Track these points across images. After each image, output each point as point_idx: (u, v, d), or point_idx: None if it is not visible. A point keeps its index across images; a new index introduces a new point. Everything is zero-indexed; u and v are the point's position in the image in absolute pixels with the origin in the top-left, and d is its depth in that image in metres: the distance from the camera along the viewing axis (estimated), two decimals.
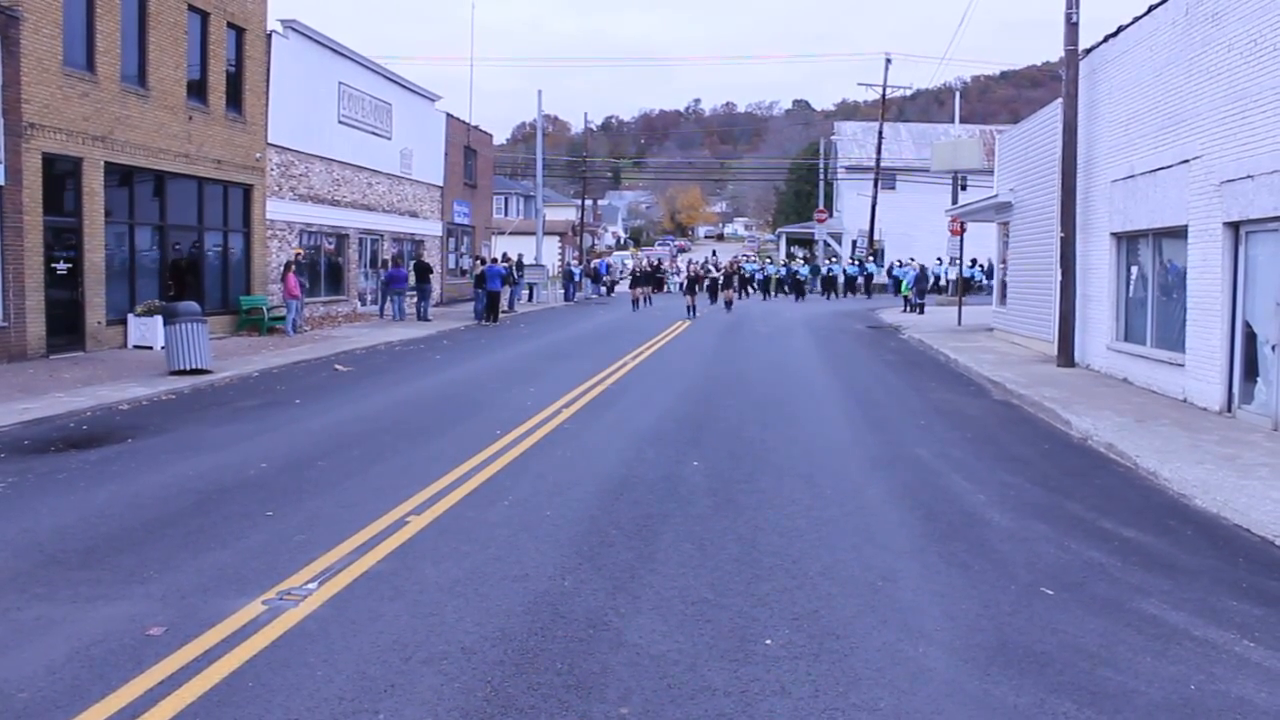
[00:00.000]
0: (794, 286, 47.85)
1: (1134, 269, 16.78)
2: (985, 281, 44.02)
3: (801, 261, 55.18)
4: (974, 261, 45.26)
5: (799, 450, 10.82)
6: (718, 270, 42.91)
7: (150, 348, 19.50)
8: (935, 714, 4.63)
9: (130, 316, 20.05)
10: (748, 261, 55.00)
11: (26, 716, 4.47)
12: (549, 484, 9.00)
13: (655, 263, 54.83)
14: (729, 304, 37.14)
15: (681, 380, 16.68)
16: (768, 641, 5.43)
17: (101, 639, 5.34)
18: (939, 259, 45.63)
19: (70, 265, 18.63)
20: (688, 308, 33.14)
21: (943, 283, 45.22)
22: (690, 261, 51.76)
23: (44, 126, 17.65)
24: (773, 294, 49.87)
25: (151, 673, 4.91)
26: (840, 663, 5.17)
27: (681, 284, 41.19)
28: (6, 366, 16.53)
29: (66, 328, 18.57)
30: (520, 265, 38.35)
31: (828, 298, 47.37)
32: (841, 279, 49.60)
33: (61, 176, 18.45)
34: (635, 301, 37.88)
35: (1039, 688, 4.92)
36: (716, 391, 15.43)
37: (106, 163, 19.29)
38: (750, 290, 50.16)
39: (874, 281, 50.78)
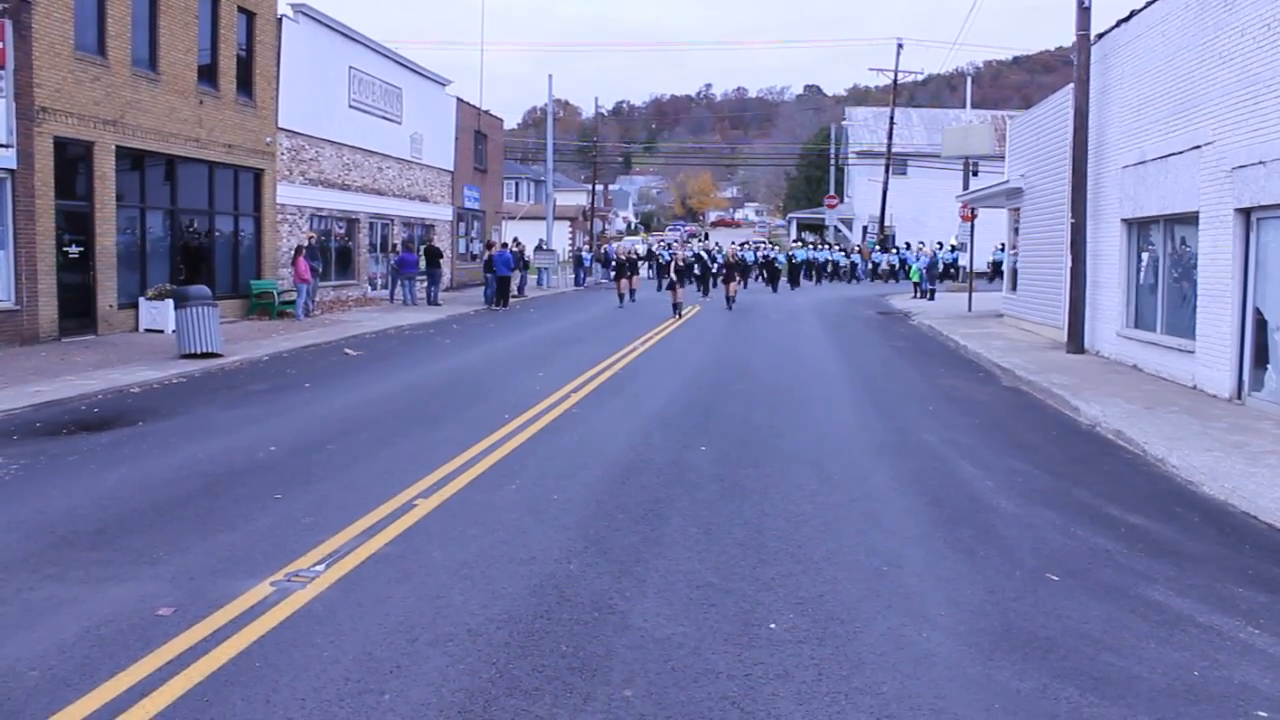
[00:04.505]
0: (769, 276, 42.84)
1: (1144, 255, 16.70)
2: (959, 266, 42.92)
3: (784, 247, 53.94)
4: (1002, 246, 43.61)
5: (807, 436, 10.83)
6: (712, 259, 36.28)
7: (161, 331, 19.58)
8: (938, 698, 4.65)
9: (141, 300, 20.14)
10: (770, 249, 51.60)
11: (37, 694, 4.53)
12: (556, 468, 9.03)
13: (666, 248, 54.24)
14: (730, 299, 31.11)
15: (690, 365, 16.69)
16: (772, 626, 5.46)
17: (111, 619, 5.39)
18: (924, 246, 43.15)
19: (82, 249, 18.71)
20: (673, 305, 27.44)
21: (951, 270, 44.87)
22: (701, 246, 49.66)
23: (55, 110, 17.70)
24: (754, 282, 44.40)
25: (160, 652, 4.96)
26: (844, 647, 5.19)
27: (670, 277, 31.10)
28: (19, 349, 16.63)
29: (78, 311, 18.67)
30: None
31: (793, 286, 43.24)
32: (827, 264, 48.76)
33: (73, 160, 18.50)
34: (621, 296, 32.82)
35: (1042, 673, 4.93)
36: (724, 376, 15.43)
37: (118, 147, 19.34)
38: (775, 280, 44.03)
39: (879, 270, 50.35)
